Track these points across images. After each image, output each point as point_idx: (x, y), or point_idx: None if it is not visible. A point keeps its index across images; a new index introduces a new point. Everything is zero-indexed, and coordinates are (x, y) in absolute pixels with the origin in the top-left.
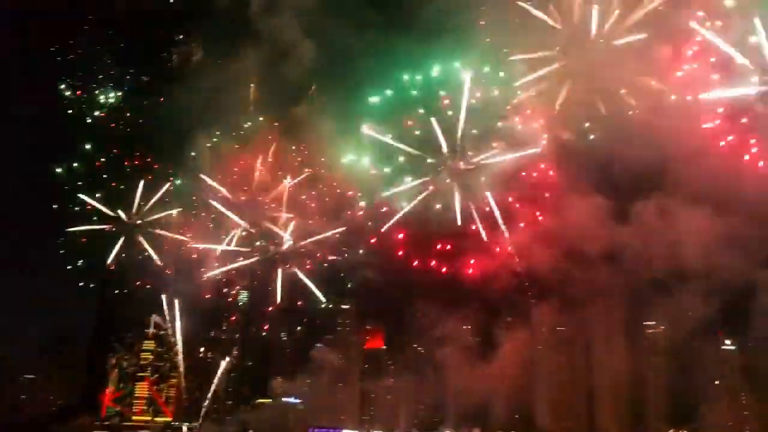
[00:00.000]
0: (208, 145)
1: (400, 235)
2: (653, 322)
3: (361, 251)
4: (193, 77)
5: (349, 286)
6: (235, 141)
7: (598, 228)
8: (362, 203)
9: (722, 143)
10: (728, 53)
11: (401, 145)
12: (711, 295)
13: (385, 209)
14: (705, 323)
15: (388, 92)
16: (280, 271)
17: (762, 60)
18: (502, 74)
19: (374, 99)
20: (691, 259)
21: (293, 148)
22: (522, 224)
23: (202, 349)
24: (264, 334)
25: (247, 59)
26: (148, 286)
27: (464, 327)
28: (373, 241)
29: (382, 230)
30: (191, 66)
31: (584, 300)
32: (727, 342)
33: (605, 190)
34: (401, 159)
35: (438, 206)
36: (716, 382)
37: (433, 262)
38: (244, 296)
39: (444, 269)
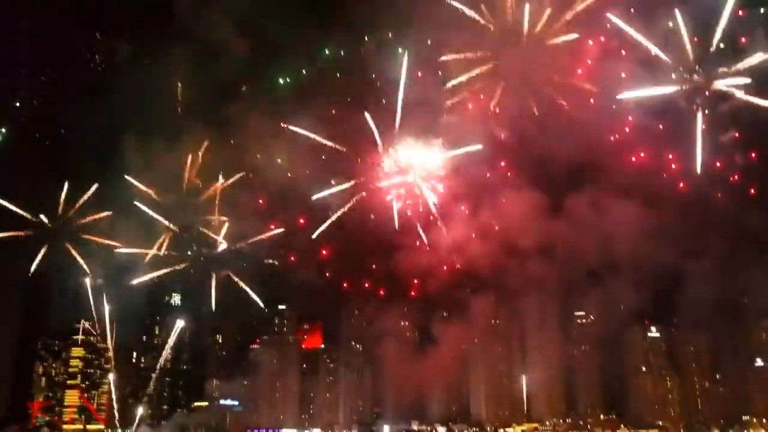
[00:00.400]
0: (136, 146)
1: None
2: (582, 313)
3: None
4: (118, 76)
5: (285, 287)
6: (163, 141)
7: (530, 222)
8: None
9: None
10: (652, 50)
11: (329, 143)
12: (638, 286)
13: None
14: (632, 313)
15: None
16: (213, 275)
17: (684, 57)
18: (440, 73)
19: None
20: (619, 251)
21: (226, 148)
22: (459, 220)
23: (134, 354)
24: (199, 337)
25: (175, 58)
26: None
27: (402, 323)
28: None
29: (313, 237)
30: (116, 65)
31: (518, 293)
32: (653, 329)
33: (540, 185)
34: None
35: (372, 216)
36: (643, 369)
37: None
38: (177, 299)
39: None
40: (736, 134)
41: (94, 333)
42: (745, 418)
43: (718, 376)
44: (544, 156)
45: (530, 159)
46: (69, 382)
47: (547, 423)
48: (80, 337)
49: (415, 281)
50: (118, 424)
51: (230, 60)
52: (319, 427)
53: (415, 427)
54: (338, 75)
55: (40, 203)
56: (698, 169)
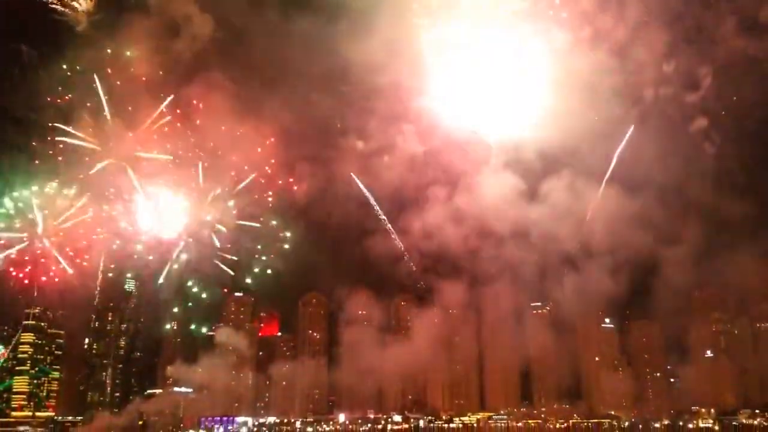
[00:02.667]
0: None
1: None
2: (539, 303)
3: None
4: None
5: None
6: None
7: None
8: None
9: None
10: None
11: None
12: (594, 279)
13: None
14: (588, 304)
15: None
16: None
17: None
18: None
19: None
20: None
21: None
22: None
23: (86, 341)
24: (153, 324)
25: (137, 32)
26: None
27: (359, 312)
28: None
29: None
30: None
31: (476, 284)
32: (607, 321)
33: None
34: None
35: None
36: (596, 359)
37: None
38: (131, 286)
39: None
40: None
41: (45, 319)
42: (694, 408)
43: (669, 368)
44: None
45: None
46: (18, 368)
47: (502, 412)
48: (30, 322)
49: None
50: (68, 411)
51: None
52: (273, 416)
53: (371, 416)
54: None
55: None
56: None
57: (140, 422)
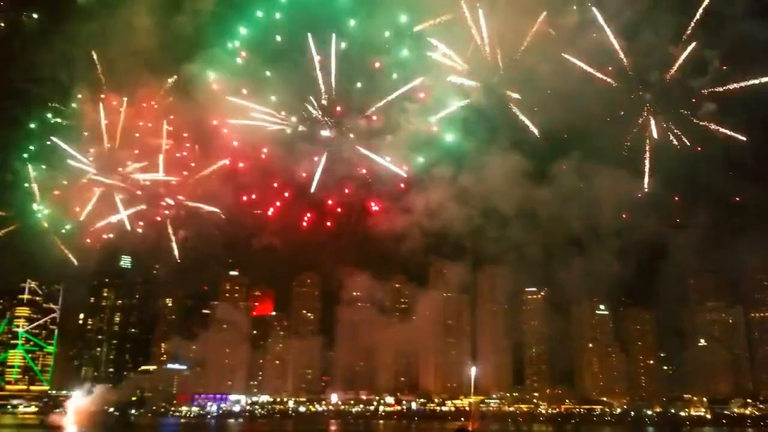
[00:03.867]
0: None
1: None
2: (534, 288)
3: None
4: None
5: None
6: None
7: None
8: None
9: None
10: None
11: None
12: (593, 264)
13: None
14: (581, 290)
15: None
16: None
17: None
18: None
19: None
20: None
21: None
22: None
23: (81, 316)
24: (148, 300)
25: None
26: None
27: (354, 293)
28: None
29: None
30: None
31: (474, 266)
32: (601, 307)
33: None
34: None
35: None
36: (590, 345)
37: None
38: (127, 262)
39: None
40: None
41: (41, 293)
42: (686, 396)
43: (662, 355)
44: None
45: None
46: (13, 341)
47: (494, 395)
48: (26, 296)
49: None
50: (62, 385)
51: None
52: (267, 394)
53: (363, 397)
54: None
55: None
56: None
57: (133, 398)
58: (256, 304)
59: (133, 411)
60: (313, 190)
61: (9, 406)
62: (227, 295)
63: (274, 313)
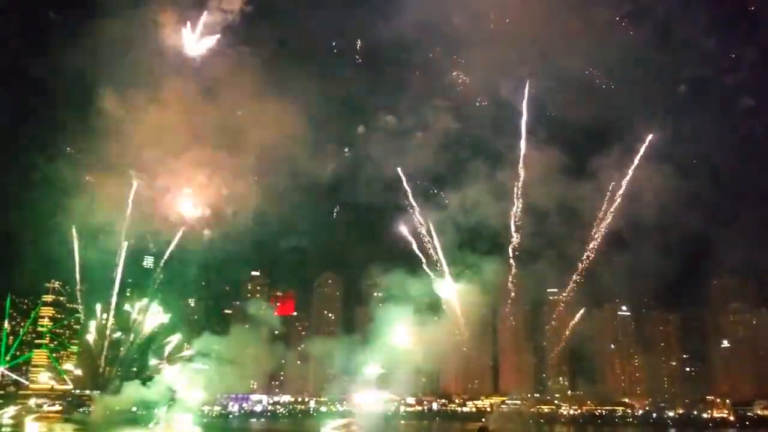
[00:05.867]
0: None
1: None
2: (555, 290)
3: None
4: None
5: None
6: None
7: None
8: None
9: None
10: None
11: None
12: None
13: None
14: (602, 292)
15: None
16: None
17: None
18: None
19: None
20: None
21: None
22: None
23: (104, 316)
24: (171, 300)
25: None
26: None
27: (375, 294)
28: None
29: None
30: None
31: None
32: (623, 308)
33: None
34: None
35: None
36: (612, 347)
37: None
38: (150, 262)
39: None
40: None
41: (65, 293)
42: (709, 398)
43: (684, 357)
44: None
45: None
46: (37, 341)
47: (515, 396)
48: (50, 297)
49: None
50: (85, 385)
51: None
52: (288, 395)
53: (384, 397)
54: None
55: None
56: None
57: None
58: (278, 304)
59: (157, 410)
60: None
61: (34, 405)
62: (249, 295)
63: (295, 314)
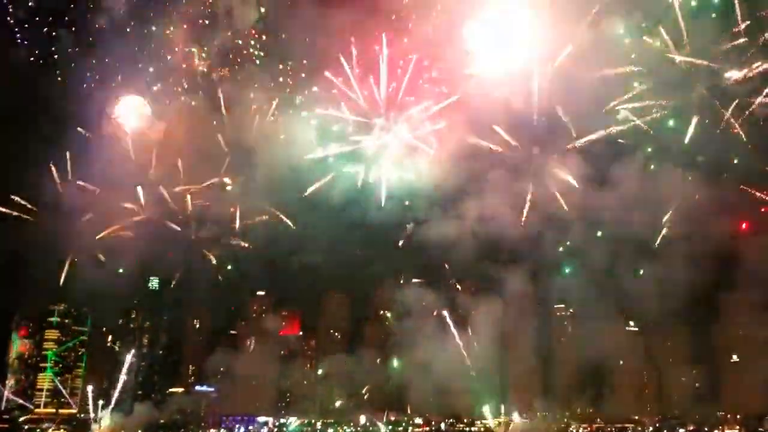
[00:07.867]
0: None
1: None
2: (562, 305)
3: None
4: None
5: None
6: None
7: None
8: None
9: None
10: None
11: None
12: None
13: None
14: (609, 305)
15: None
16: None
17: None
18: None
19: None
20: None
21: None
22: None
23: (109, 338)
24: (176, 322)
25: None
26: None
27: (381, 312)
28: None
29: None
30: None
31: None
32: (631, 323)
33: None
34: None
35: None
36: (620, 362)
37: None
38: (155, 283)
39: None
40: None
41: (69, 316)
42: (720, 413)
43: (694, 372)
44: None
45: None
46: (42, 365)
47: (523, 414)
48: (55, 319)
49: None
50: (91, 409)
51: None
52: (295, 416)
53: (392, 418)
54: None
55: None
56: None
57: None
58: (283, 324)
59: None
60: None
61: (38, 430)
62: (254, 315)
63: (301, 333)
